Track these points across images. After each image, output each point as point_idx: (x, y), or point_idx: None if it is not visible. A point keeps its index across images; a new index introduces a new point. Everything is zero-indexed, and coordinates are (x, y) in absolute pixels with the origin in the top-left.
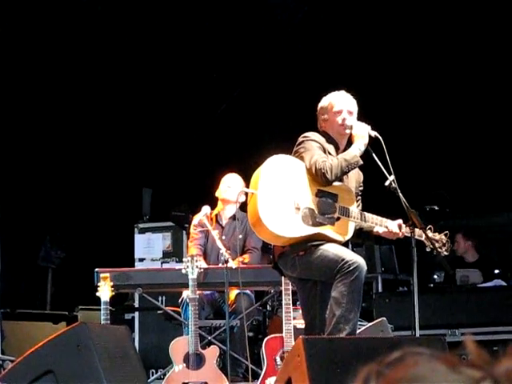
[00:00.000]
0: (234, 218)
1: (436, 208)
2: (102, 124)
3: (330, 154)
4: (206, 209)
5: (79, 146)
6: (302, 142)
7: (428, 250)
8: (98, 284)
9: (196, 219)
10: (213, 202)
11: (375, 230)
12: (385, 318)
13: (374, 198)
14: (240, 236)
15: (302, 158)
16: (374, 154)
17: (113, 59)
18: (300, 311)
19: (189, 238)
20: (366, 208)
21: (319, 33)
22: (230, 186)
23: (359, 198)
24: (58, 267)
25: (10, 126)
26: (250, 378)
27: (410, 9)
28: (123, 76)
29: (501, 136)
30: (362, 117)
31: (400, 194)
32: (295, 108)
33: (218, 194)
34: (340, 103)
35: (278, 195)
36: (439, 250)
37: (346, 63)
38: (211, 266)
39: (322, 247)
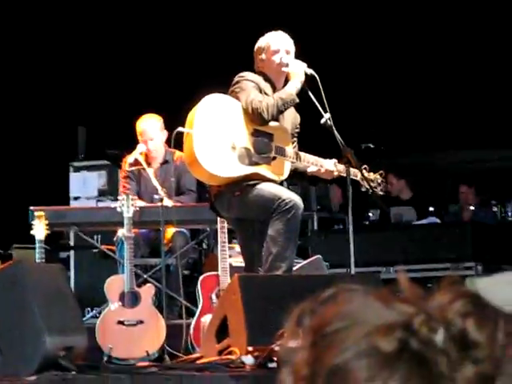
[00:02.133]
0: (165, 162)
1: (371, 146)
2: (39, 60)
3: (266, 93)
4: (141, 147)
5: (17, 80)
6: (238, 81)
7: (363, 189)
8: (33, 222)
9: (131, 157)
10: None
11: (310, 169)
12: (320, 256)
13: (310, 138)
14: (173, 179)
15: (237, 98)
16: (310, 92)
17: None
18: (236, 249)
19: (120, 184)
20: (301, 148)
21: None
22: (149, 137)
23: (295, 139)
24: None
25: None
26: (185, 316)
27: None
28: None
29: (442, 73)
30: (299, 56)
31: (335, 132)
32: (231, 48)
33: (140, 137)
34: (277, 42)
35: (214, 134)
36: (374, 189)
37: (283, 2)
38: (147, 205)
39: (257, 186)
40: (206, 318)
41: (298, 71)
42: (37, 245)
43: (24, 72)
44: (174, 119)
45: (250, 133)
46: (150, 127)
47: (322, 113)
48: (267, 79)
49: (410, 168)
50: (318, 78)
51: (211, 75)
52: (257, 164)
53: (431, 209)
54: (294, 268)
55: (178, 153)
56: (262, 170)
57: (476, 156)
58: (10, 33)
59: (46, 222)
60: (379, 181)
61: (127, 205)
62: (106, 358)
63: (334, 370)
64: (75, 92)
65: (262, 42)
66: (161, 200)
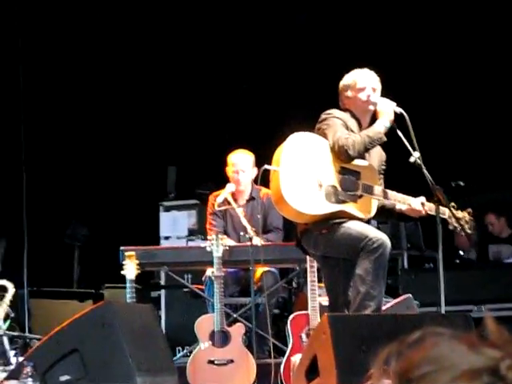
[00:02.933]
0: (251, 198)
1: (462, 184)
2: (129, 102)
3: (352, 131)
4: (231, 186)
5: (106, 125)
6: (325, 119)
7: (451, 227)
8: (124, 262)
9: (221, 196)
10: None
11: (398, 207)
12: (410, 295)
13: (398, 176)
14: (259, 216)
15: (324, 135)
16: (398, 131)
17: (134, 40)
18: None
19: (207, 219)
20: (389, 186)
21: (342, 8)
22: (241, 169)
23: (381, 177)
24: (84, 245)
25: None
26: (275, 355)
27: None
28: (149, 55)
29: None
30: (387, 94)
31: (425, 171)
32: (318, 86)
33: (228, 173)
34: (363, 80)
35: (300, 172)
36: (463, 228)
37: (369, 40)
38: (237, 244)
39: (345, 225)
40: (296, 358)
41: (387, 109)
42: (127, 284)
43: (117, 113)
44: (262, 157)
45: (336, 170)
46: (243, 160)
47: (411, 151)
48: (354, 117)
49: (507, 205)
50: (406, 116)
51: (298, 113)
52: (344, 202)
53: None
54: (384, 307)
55: (264, 190)
56: (349, 208)
57: None
58: (97, 75)
59: (137, 261)
60: (467, 219)
61: (217, 244)
62: None
63: None
64: (166, 132)
65: (348, 79)
66: (250, 239)
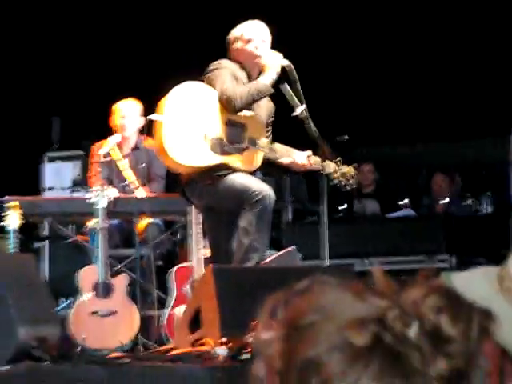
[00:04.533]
0: (136, 147)
1: (346, 138)
2: (13, 49)
3: (241, 82)
4: (116, 137)
5: None
6: (214, 69)
7: (335, 182)
8: (6, 212)
9: (105, 148)
10: None
11: (282, 160)
12: (294, 247)
13: (284, 129)
14: (143, 165)
15: (212, 85)
16: (285, 84)
17: None
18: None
19: (89, 169)
20: (276, 139)
21: None
22: (127, 114)
23: (269, 128)
24: None
25: None
26: (159, 307)
27: None
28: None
29: (418, 64)
30: (275, 46)
31: (311, 124)
32: (206, 36)
33: (113, 122)
34: (252, 32)
35: (185, 123)
36: (346, 183)
37: None
38: (121, 196)
39: (229, 176)
40: (180, 309)
41: (274, 62)
42: (11, 235)
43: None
44: (149, 108)
45: (223, 122)
46: (130, 107)
47: (298, 103)
48: (243, 68)
49: (381, 160)
50: (293, 69)
51: (186, 62)
52: (229, 154)
53: (405, 201)
54: (268, 259)
55: (149, 140)
56: (234, 160)
57: (450, 148)
58: None
59: (21, 212)
60: (352, 174)
61: (101, 195)
62: (79, 349)
63: (307, 364)
64: (51, 81)
65: (237, 31)
66: (133, 191)
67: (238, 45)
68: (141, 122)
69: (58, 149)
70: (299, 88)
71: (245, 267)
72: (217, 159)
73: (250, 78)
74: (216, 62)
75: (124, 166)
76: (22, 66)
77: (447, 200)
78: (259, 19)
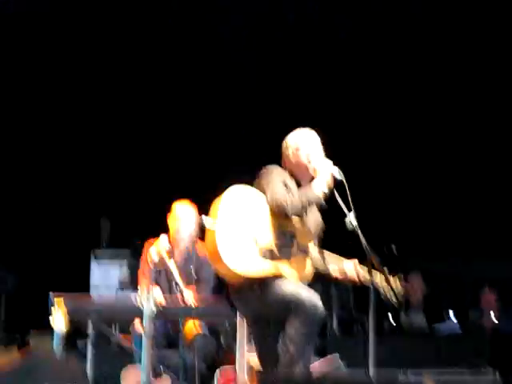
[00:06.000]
0: (186, 250)
1: (394, 249)
2: (64, 153)
3: (291, 189)
4: (164, 240)
5: (41, 172)
6: (265, 174)
7: (382, 296)
8: (52, 308)
9: (156, 255)
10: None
11: (331, 271)
12: (337, 354)
13: (334, 239)
14: (191, 267)
15: (263, 191)
16: (336, 194)
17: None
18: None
19: (141, 266)
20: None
21: (287, 68)
22: (182, 217)
23: (317, 242)
24: (12, 292)
25: None
26: None
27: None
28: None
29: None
30: (327, 155)
31: (361, 234)
32: (261, 141)
33: (170, 222)
34: (304, 141)
35: (238, 228)
36: (392, 297)
37: (313, 100)
38: (168, 298)
39: (277, 283)
40: None
41: (326, 171)
42: (55, 334)
43: (52, 163)
44: (200, 209)
45: (273, 228)
46: (186, 210)
47: (348, 214)
48: (293, 176)
49: (430, 272)
50: (345, 181)
51: (239, 167)
52: (278, 260)
53: (451, 312)
54: (312, 365)
55: (199, 243)
56: (283, 267)
57: (498, 265)
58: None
59: (66, 309)
60: (399, 289)
61: (147, 297)
62: None
63: None
64: (100, 184)
65: (289, 139)
66: (180, 292)
67: (291, 152)
68: (195, 225)
69: (107, 247)
70: (349, 199)
71: (288, 375)
72: (266, 266)
73: (299, 186)
74: (267, 168)
75: (173, 267)
76: (76, 166)
77: (494, 314)
78: (311, 127)
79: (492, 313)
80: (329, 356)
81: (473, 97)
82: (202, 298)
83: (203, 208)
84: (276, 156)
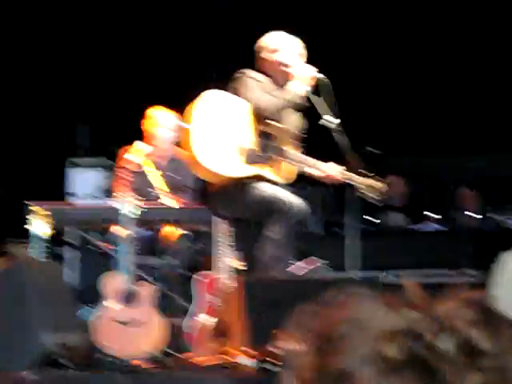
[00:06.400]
0: (172, 159)
1: (376, 151)
2: (42, 58)
3: (267, 92)
4: (144, 147)
5: (20, 78)
6: (239, 78)
7: (359, 194)
8: (30, 217)
9: (137, 158)
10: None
11: (311, 172)
12: (320, 259)
13: (314, 141)
14: (179, 178)
15: (238, 95)
16: (315, 96)
17: None
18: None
19: (116, 175)
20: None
21: None
22: (163, 125)
23: (299, 142)
24: None
25: None
26: (181, 316)
27: None
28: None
29: (446, 77)
30: (311, 61)
31: (344, 137)
32: (233, 46)
33: (148, 129)
34: (278, 42)
35: (215, 132)
36: (372, 195)
37: (292, 4)
38: (151, 206)
39: (257, 186)
40: (202, 317)
41: (304, 74)
42: (35, 240)
43: (26, 71)
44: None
45: (253, 133)
46: (166, 117)
47: (330, 118)
48: (268, 78)
49: (405, 173)
50: (328, 82)
51: (212, 71)
52: (260, 164)
53: (430, 214)
54: (293, 269)
55: (177, 149)
56: (264, 170)
57: (475, 162)
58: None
59: (50, 220)
60: (381, 187)
61: (128, 203)
62: (102, 356)
63: (340, 376)
64: (78, 88)
65: (263, 41)
66: (157, 197)
67: (265, 55)
68: (174, 130)
69: (85, 155)
70: (333, 102)
71: (273, 278)
72: (250, 170)
73: (275, 88)
74: (242, 71)
75: (156, 176)
76: (50, 73)
77: (474, 214)
78: (294, 32)
79: (471, 212)
80: (309, 258)
81: None
82: (180, 205)
83: (178, 114)
84: (250, 60)
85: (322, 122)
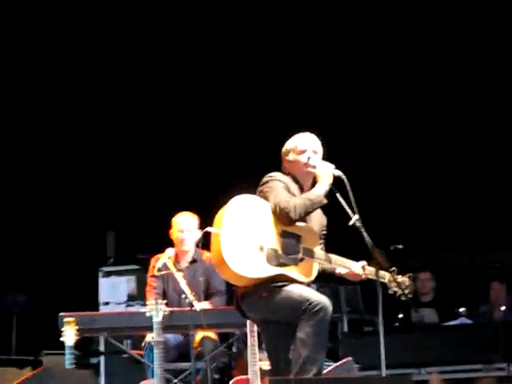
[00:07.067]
0: (193, 261)
1: (400, 247)
2: (66, 170)
3: (294, 194)
4: (170, 251)
5: (44, 189)
6: (267, 181)
7: (391, 292)
8: (63, 328)
9: (160, 262)
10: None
11: (338, 271)
12: (351, 358)
13: (339, 239)
14: (201, 278)
15: (266, 198)
16: (338, 194)
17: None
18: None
19: (147, 283)
20: (330, 249)
21: (283, 73)
22: (186, 228)
23: (322, 241)
24: (23, 312)
25: None
26: None
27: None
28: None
29: (471, 177)
30: (327, 158)
31: (365, 234)
32: (260, 149)
33: (173, 235)
34: (304, 143)
35: (241, 235)
36: (402, 292)
37: (311, 105)
38: (176, 309)
39: (285, 288)
40: None
41: (326, 173)
42: (66, 351)
43: (56, 177)
44: (204, 221)
45: (277, 233)
46: (188, 220)
47: (351, 214)
48: (295, 180)
49: (434, 269)
50: (345, 179)
51: (240, 176)
52: (285, 265)
53: (462, 309)
54: (325, 371)
55: (206, 253)
56: (290, 271)
57: (502, 257)
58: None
59: (76, 327)
60: (407, 283)
61: (156, 309)
62: None
63: None
64: (104, 196)
65: (289, 143)
66: (190, 304)
67: (291, 157)
68: (197, 235)
69: (114, 264)
70: (351, 198)
71: (302, 379)
72: (273, 271)
73: (302, 190)
74: (268, 175)
75: (180, 278)
76: (78, 181)
77: (504, 308)
78: (311, 131)
79: (503, 306)
80: (342, 360)
81: (474, 91)
82: (211, 309)
83: (208, 221)
84: (277, 164)
85: (352, 221)
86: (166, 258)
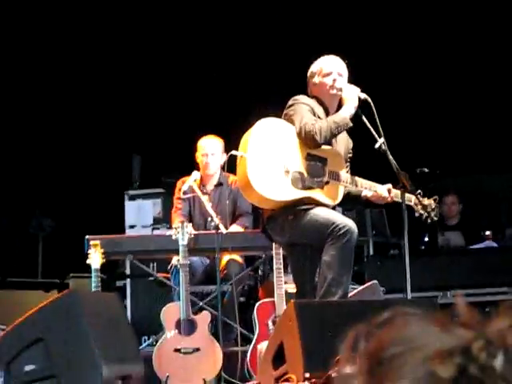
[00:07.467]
0: (219, 184)
1: (426, 170)
2: (93, 91)
3: (319, 117)
4: (195, 174)
5: (69, 114)
6: (292, 104)
7: (417, 215)
8: (89, 251)
9: (186, 185)
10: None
11: (364, 193)
12: (376, 281)
13: (364, 163)
14: (227, 201)
15: (291, 121)
16: (363, 117)
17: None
18: (291, 275)
19: (173, 206)
20: (355, 172)
21: None
22: (211, 152)
23: (348, 164)
24: (49, 235)
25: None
26: (242, 343)
27: None
28: (114, 46)
29: (494, 98)
30: (353, 81)
31: (390, 157)
32: (285, 72)
33: (198, 158)
34: (329, 66)
35: (267, 158)
36: (428, 215)
37: (337, 27)
38: (202, 232)
39: (311, 211)
40: (263, 345)
41: (352, 96)
42: (92, 274)
43: (79, 102)
44: (229, 144)
45: (303, 157)
46: (213, 144)
47: (377, 137)
48: (321, 103)
49: (460, 192)
50: (371, 102)
51: (266, 99)
52: (310, 188)
53: (488, 233)
54: (350, 293)
55: (232, 176)
56: (316, 194)
57: None
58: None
59: (102, 250)
60: (433, 206)
61: (182, 232)
62: None
63: None
64: (130, 119)
65: (314, 66)
66: (216, 227)
67: (316, 79)
68: (223, 158)
69: (139, 187)
70: (377, 121)
71: (327, 301)
72: (299, 194)
73: (327, 113)
74: (293, 98)
75: (206, 201)
76: (103, 104)
77: None
78: (337, 54)
79: None
80: (368, 283)
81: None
82: (236, 232)
83: (233, 144)
84: (302, 87)
85: (378, 144)
86: (191, 180)
